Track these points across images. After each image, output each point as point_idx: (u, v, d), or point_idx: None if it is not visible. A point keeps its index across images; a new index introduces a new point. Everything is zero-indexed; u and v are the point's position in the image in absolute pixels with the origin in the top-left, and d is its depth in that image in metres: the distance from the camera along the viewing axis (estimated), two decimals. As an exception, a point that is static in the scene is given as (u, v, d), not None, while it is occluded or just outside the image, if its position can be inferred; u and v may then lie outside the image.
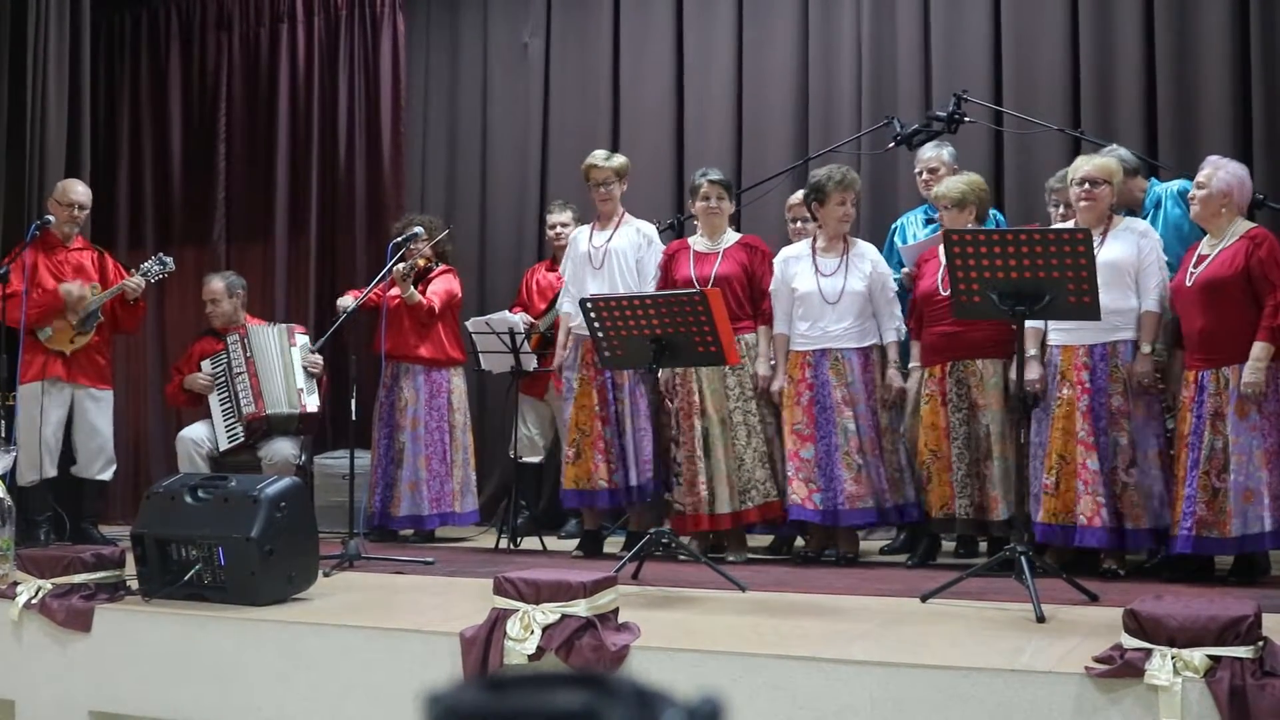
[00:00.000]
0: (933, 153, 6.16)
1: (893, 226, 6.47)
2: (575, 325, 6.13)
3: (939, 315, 5.50)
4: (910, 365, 5.76)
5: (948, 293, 5.39)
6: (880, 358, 5.70)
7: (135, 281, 6.62)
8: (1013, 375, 5.30)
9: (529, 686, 0.84)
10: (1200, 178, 5.04)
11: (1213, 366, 4.93)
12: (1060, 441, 5.13)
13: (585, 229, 6.31)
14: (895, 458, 5.66)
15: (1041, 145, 6.66)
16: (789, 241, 6.26)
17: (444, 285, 6.86)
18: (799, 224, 6.25)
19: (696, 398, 5.75)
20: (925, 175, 6.17)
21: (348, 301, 6.57)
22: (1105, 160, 5.29)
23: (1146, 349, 5.12)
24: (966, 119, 6.11)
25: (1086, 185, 5.20)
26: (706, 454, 5.72)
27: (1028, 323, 5.11)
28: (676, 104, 7.80)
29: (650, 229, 6.21)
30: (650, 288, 5.97)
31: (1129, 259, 5.13)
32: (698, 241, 6.01)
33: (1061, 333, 5.18)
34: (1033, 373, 5.20)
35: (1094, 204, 5.20)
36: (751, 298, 5.88)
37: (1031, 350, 5.24)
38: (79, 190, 6.86)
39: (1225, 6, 6.54)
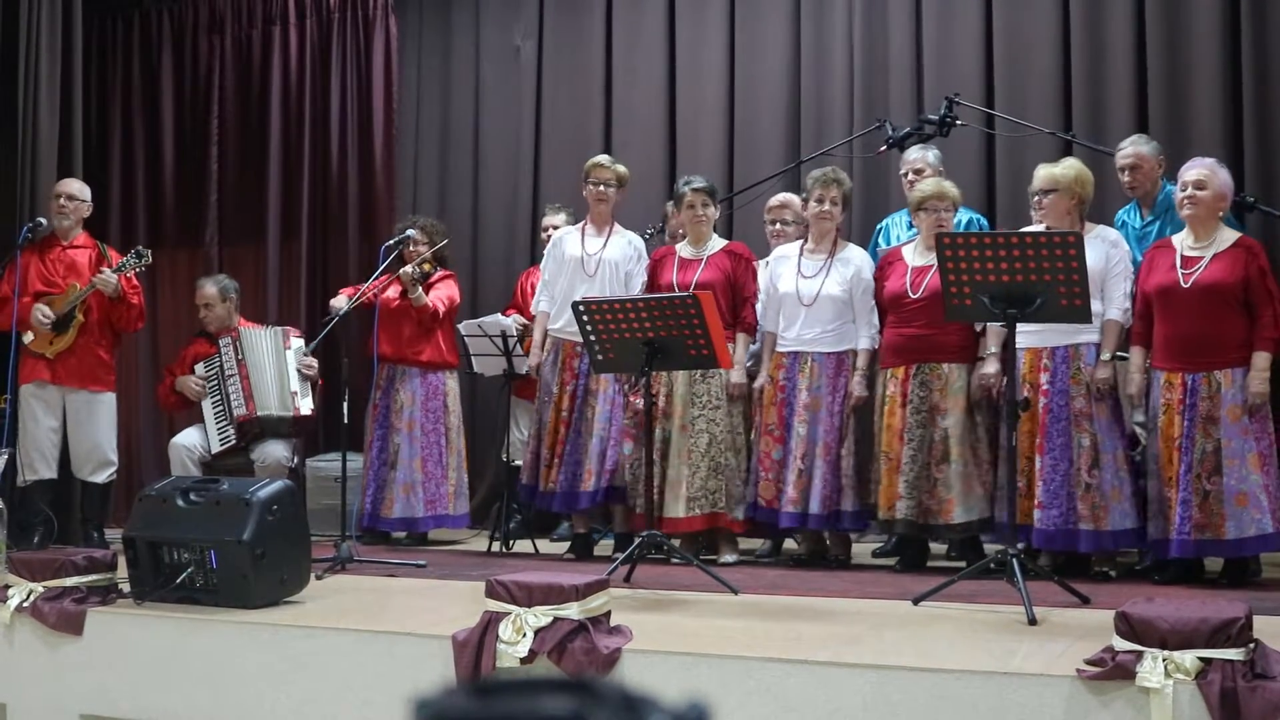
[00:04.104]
0: (919, 154, 6.16)
1: (878, 227, 6.48)
2: (556, 328, 6.13)
3: (906, 317, 5.51)
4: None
5: (916, 295, 5.44)
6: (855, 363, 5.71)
7: (104, 278, 6.51)
8: (974, 380, 5.39)
9: (516, 692, 0.84)
10: (1199, 177, 5.03)
11: (1204, 370, 4.95)
12: (1026, 444, 5.17)
13: (574, 231, 6.30)
14: (850, 463, 5.64)
15: (1033, 148, 6.66)
16: (769, 245, 6.27)
17: (447, 290, 6.85)
18: (778, 226, 6.24)
19: (663, 401, 5.76)
20: (911, 176, 6.17)
21: (341, 302, 6.54)
22: (1050, 170, 5.34)
23: (1107, 356, 5.16)
24: (958, 122, 6.12)
25: (1036, 197, 5.34)
26: (664, 457, 5.73)
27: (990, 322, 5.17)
28: (668, 107, 7.80)
29: (639, 242, 6.23)
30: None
31: (1098, 267, 5.16)
32: (683, 248, 6.03)
33: (1025, 335, 5.18)
34: (989, 368, 5.25)
35: (1045, 213, 5.29)
36: (733, 306, 5.88)
37: (992, 348, 5.28)
38: (68, 182, 6.85)
39: (1216, 10, 6.55)
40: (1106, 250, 5.25)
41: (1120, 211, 5.90)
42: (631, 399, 5.82)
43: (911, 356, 5.49)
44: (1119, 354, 5.26)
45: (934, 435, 5.41)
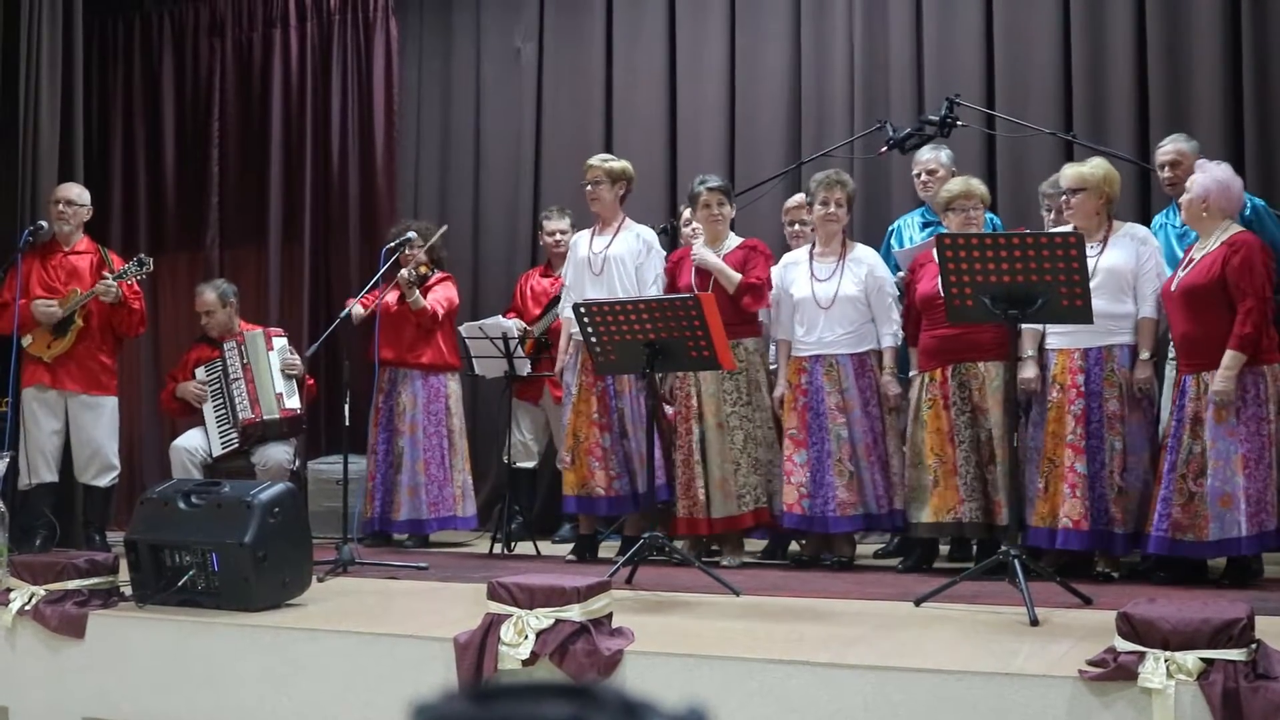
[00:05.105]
0: (931, 154, 6.16)
1: (889, 229, 6.47)
2: (576, 330, 6.12)
3: (939, 318, 5.47)
4: (910, 373, 5.74)
5: None
6: (879, 363, 5.70)
7: (104, 284, 6.51)
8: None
9: (516, 697, 0.84)
10: (1189, 180, 5.08)
11: (1193, 371, 4.95)
12: (1051, 445, 5.15)
13: (585, 233, 6.30)
14: (899, 462, 5.64)
15: (1034, 149, 6.67)
16: (786, 246, 6.27)
17: (445, 292, 6.86)
18: (796, 227, 6.26)
19: (694, 401, 5.75)
20: (924, 177, 6.16)
21: (359, 310, 6.58)
22: (1078, 169, 5.33)
23: (1145, 355, 5.14)
24: (959, 123, 6.11)
25: (1064, 196, 5.32)
26: (703, 458, 5.72)
27: (1026, 324, 5.15)
28: (669, 108, 7.80)
29: (650, 234, 6.19)
30: (652, 293, 5.94)
31: (1128, 265, 5.15)
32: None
33: (1058, 336, 5.20)
34: (1028, 372, 5.22)
35: (1072, 212, 5.27)
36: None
37: (1030, 350, 5.26)
38: (67, 187, 6.86)
39: (1217, 10, 6.55)
40: (1136, 248, 5.22)
41: (1159, 215, 5.90)
42: (664, 407, 5.79)
43: (947, 357, 5.47)
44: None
45: (980, 436, 5.41)
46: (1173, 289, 5.02)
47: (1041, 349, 5.31)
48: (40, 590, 4.48)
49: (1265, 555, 5.20)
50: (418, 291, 6.63)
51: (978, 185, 5.62)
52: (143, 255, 6.71)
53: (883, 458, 5.64)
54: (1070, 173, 5.32)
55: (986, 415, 5.41)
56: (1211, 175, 5.03)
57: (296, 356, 6.88)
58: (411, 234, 6.61)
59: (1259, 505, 4.80)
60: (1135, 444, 5.13)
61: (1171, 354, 5.31)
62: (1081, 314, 4.46)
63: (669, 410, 5.80)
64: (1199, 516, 4.85)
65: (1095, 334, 5.08)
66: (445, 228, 6.99)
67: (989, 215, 6.18)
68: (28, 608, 4.46)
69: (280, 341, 6.90)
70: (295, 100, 8.61)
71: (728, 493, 5.71)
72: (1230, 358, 4.83)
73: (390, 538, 6.86)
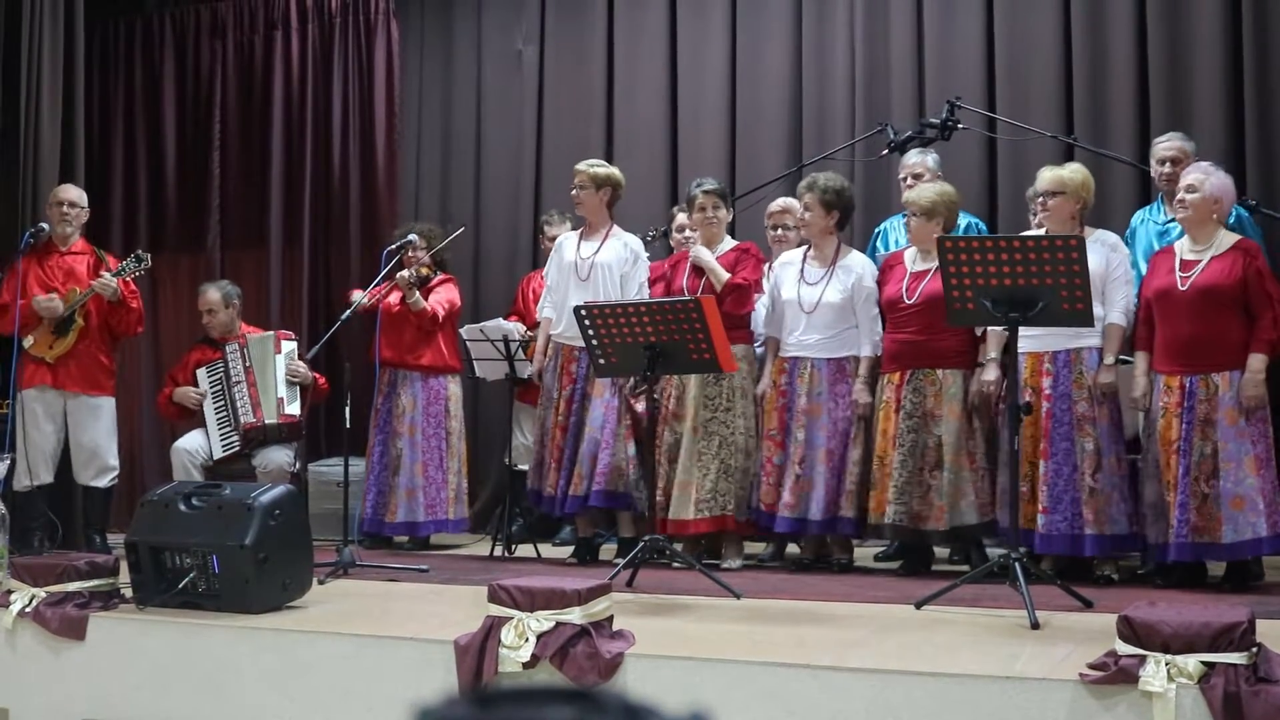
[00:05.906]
0: (917, 158, 6.16)
1: (876, 230, 6.48)
2: (556, 333, 6.14)
3: (903, 322, 5.50)
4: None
5: (911, 300, 5.43)
6: (857, 370, 5.70)
7: (103, 282, 6.49)
8: (972, 386, 5.37)
9: (518, 701, 0.84)
10: (1191, 181, 5.06)
11: (1201, 372, 4.95)
12: (1030, 448, 5.16)
13: (573, 236, 6.31)
14: (858, 470, 5.62)
15: (1035, 152, 6.66)
16: (769, 249, 6.27)
17: (446, 294, 6.85)
18: (779, 231, 6.25)
19: (674, 404, 5.76)
20: (909, 180, 6.17)
21: (359, 296, 6.55)
22: (1056, 172, 5.32)
23: (1110, 360, 5.16)
24: (960, 126, 6.12)
25: (1040, 199, 5.31)
26: (672, 460, 5.73)
27: (991, 326, 5.15)
28: (670, 111, 7.80)
29: (637, 244, 6.20)
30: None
31: (1098, 271, 5.14)
32: None
33: (1026, 339, 5.17)
34: (990, 374, 5.24)
35: (1048, 215, 5.27)
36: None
37: (993, 353, 5.27)
38: (66, 188, 6.86)
39: (1218, 14, 6.55)
40: (1106, 254, 5.24)
41: (1141, 210, 5.90)
42: (632, 402, 5.82)
43: (906, 362, 5.48)
44: (1122, 358, 5.26)
45: (927, 441, 5.40)
46: (1181, 288, 5.00)
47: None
48: (41, 592, 4.47)
49: (1266, 559, 5.20)
50: (418, 293, 6.63)
51: (922, 194, 5.57)
52: (140, 251, 6.70)
53: (843, 464, 5.63)
54: (1048, 175, 5.31)
55: (939, 421, 5.40)
56: (1221, 177, 5.05)
57: (302, 364, 6.86)
58: (412, 235, 6.61)
59: (1273, 505, 4.81)
60: (1106, 445, 5.13)
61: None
62: (1082, 317, 4.46)
63: (639, 408, 5.79)
64: (1213, 519, 4.86)
65: (1063, 336, 5.10)
66: (462, 229, 6.97)
67: (974, 220, 6.19)
68: (28, 609, 4.46)
69: (289, 345, 6.88)
70: (296, 103, 8.61)
71: (687, 497, 5.71)
72: (1258, 360, 4.90)
73: (390, 540, 6.86)
